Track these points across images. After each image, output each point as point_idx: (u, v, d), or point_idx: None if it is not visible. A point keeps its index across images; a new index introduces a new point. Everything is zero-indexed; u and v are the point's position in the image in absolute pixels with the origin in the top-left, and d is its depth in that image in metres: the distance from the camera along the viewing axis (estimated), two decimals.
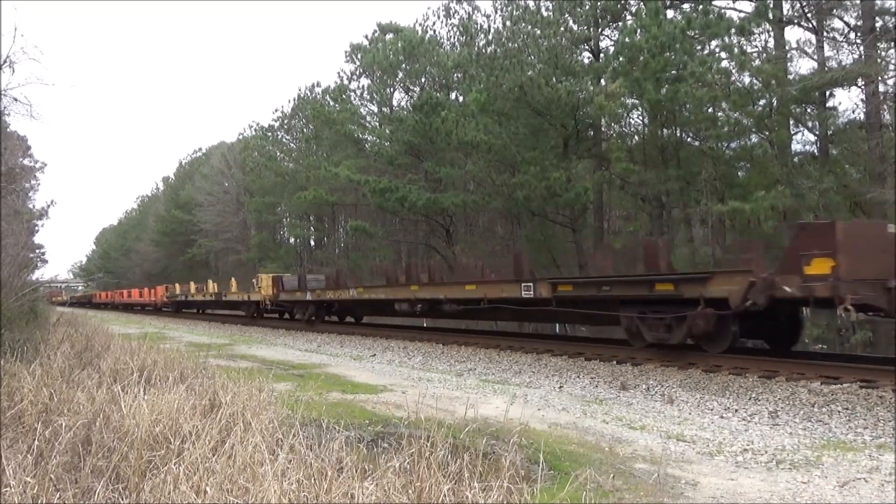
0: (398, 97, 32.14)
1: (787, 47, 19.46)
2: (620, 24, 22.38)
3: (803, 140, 20.60)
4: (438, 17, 29.32)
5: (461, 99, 26.69)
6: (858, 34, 17.70)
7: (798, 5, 19.11)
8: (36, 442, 3.85)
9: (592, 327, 13.99)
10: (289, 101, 54.44)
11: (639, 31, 18.75)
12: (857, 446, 5.02)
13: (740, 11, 19.43)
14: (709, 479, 4.19)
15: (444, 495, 3.11)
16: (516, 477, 3.50)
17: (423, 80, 29.64)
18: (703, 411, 6.47)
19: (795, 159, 18.90)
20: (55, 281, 64.59)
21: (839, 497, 3.83)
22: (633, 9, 21.55)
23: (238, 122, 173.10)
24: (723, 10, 18.86)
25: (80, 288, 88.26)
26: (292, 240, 46.78)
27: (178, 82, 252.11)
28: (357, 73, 32.54)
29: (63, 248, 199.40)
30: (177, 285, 34.56)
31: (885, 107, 16.96)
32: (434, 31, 29.45)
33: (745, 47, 19.08)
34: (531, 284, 10.67)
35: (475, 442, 4.13)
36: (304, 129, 37.46)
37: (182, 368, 7.00)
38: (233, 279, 28.01)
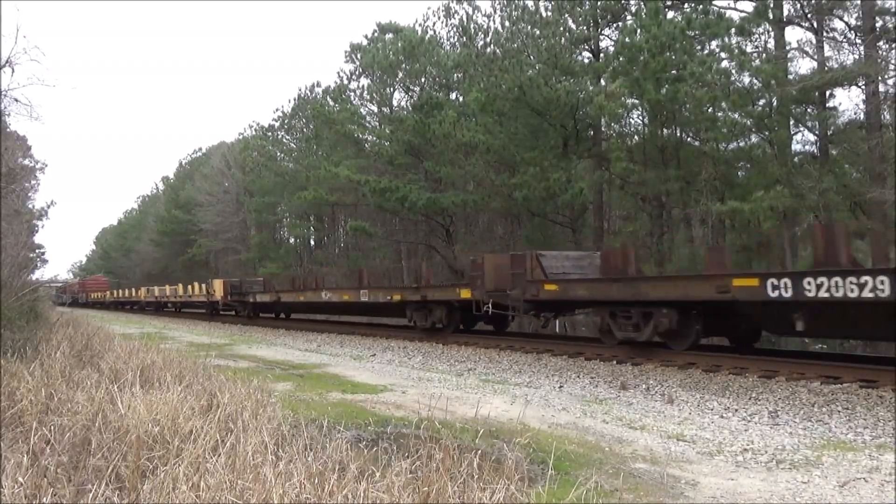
0: (398, 97, 32.08)
1: (787, 47, 19.44)
2: (620, 24, 22.35)
3: (803, 140, 20.58)
4: (438, 18, 29.18)
5: (461, 99, 26.65)
6: (858, 34, 17.70)
7: (798, 5, 19.09)
8: (35, 442, 3.84)
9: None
10: (289, 101, 54.23)
11: (639, 31, 18.75)
12: (857, 446, 5.02)
13: (740, 11, 19.43)
14: (709, 478, 4.19)
15: (450, 496, 3.10)
16: (521, 478, 3.49)
17: (423, 80, 29.56)
18: (703, 411, 6.47)
19: (795, 159, 18.88)
20: (55, 281, 62.71)
21: (839, 497, 3.82)
22: (633, 9, 21.54)
23: (238, 122, 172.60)
24: (723, 10, 18.88)
25: None
26: (292, 240, 46.74)
27: (178, 82, 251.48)
28: (357, 73, 32.46)
29: (63, 248, 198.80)
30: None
31: (885, 107, 16.94)
32: (434, 31, 29.38)
33: (744, 47, 19.07)
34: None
35: (479, 443, 4.12)
36: (304, 129, 37.38)
37: (182, 368, 6.99)
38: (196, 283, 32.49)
